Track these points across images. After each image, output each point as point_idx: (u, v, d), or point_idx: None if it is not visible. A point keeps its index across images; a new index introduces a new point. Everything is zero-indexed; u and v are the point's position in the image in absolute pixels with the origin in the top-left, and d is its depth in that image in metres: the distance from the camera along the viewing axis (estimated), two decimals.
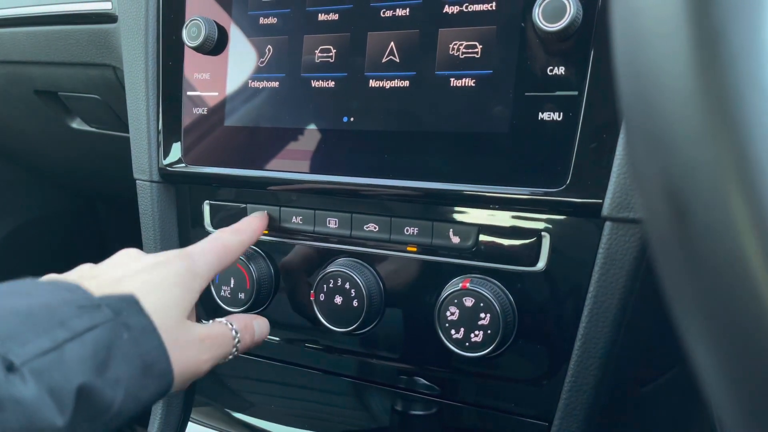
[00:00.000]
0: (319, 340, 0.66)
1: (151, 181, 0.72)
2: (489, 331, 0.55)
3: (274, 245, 0.67)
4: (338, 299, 0.62)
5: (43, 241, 1.53)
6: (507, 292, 0.55)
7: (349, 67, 0.60)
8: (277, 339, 0.69)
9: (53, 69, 0.92)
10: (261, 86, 0.65)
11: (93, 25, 0.79)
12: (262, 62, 0.65)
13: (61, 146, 1.21)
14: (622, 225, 0.49)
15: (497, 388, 0.57)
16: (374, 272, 0.62)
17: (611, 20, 0.19)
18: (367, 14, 0.59)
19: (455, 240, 0.58)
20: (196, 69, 0.69)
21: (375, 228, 0.62)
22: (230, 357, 0.52)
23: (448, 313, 0.56)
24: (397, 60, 0.58)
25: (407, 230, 0.60)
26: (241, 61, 0.66)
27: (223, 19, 0.67)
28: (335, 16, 0.61)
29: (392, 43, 0.58)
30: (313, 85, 0.62)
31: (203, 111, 0.69)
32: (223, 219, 0.71)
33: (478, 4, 0.54)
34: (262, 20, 0.65)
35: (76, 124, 1.05)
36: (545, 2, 0.49)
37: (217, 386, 0.75)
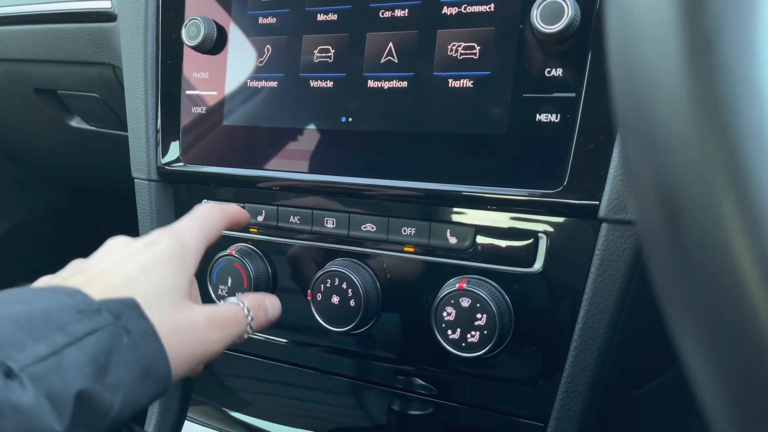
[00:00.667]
0: (316, 339, 0.66)
1: (150, 180, 0.72)
2: (485, 332, 0.55)
3: (271, 245, 0.68)
4: (335, 299, 0.62)
5: (40, 239, 1.53)
6: (503, 292, 0.56)
7: (347, 68, 0.60)
8: (274, 338, 0.69)
9: (53, 67, 0.92)
10: (260, 86, 0.65)
11: (92, 24, 0.79)
12: (261, 62, 0.65)
13: (60, 144, 1.21)
14: (619, 227, 0.49)
15: (493, 388, 0.58)
16: (371, 272, 0.62)
17: (606, 22, 0.20)
18: (366, 15, 0.59)
19: (452, 241, 0.58)
20: (195, 68, 0.69)
21: (372, 228, 0.62)
22: (246, 336, 0.51)
23: (444, 314, 0.56)
24: (396, 61, 0.58)
25: (405, 230, 0.60)
26: (240, 60, 0.66)
27: (223, 18, 0.67)
28: (334, 17, 0.61)
29: (391, 44, 0.58)
30: (311, 85, 0.62)
31: (202, 110, 0.69)
32: None
33: (476, 5, 0.54)
34: (261, 20, 0.65)
35: (75, 123, 1.05)
36: (543, 4, 0.50)
37: (214, 385, 0.75)
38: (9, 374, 0.34)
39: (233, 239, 0.70)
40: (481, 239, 0.57)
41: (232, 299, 0.52)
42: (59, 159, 1.33)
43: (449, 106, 0.56)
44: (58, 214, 1.57)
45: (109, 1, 0.76)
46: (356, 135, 0.60)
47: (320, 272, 0.62)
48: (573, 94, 0.51)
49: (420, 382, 0.62)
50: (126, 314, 0.41)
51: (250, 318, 0.51)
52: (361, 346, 0.64)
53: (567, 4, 0.49)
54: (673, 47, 0.17)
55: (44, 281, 0.48)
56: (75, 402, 0.36)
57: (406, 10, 0.57)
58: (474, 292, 0.55)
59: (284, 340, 0.68)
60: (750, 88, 0.17)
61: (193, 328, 0.45)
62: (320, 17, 0.62)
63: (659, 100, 0.17)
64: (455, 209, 0.58)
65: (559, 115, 0.51)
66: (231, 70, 0.67)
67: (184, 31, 0.66)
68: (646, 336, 0.57)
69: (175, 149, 0.70)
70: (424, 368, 0.61)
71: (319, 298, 0.63)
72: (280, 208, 0.67)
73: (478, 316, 0.55)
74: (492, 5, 0.54)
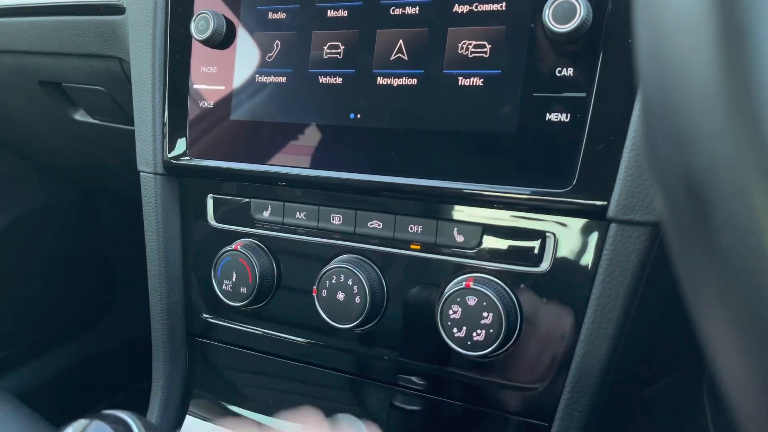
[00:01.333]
0: (320, 336, 0.66)
1: (155, 174, 0.72)
2: (491, 331, 0.55)
3: (277, 240, 0.67)
4: (340, 295, 0.62)
5: (41, 233, 1.53)
6: (510, 292, 0.56)
7: (357, 64, 0.60)
8: (278, 334, 0.68)
9: (59, 60, 0.92)
10: (268, 81, 0.65)
11: (100, 17, 0.79)
12: (269, 57, 0.65)
13: (64, 138, 1.20)
14: (628, 227, 0.49)
15: (498, 387, 0.57)
16: (377, 269, 0.62)
17: (634, 14, 0.19)
18: (377, 12, 0.59)
19: (459, 239, 0.58)
20: (203, 62, 0.69)
21: (379, 225, 0.62)
22: None
23: (450, 312, 0.56)
24: (406, 58, 0.58)
25: (411, 228, 0.60)
26: (249, 55, 0.66)
27: (232, 13, 0.67)
28: (344, 13, 0.61)
29: (401, 41, 0.58)
30: (320, 81, 0.62)
31: (209, 104, 0.69)
32: (226, 213, 0.71)
33: (487, 3, 0.54)
34: (270, 15, 0.65)
35: (80, 116, 1.05)
36: (556, 3, 0.49)
37: (215, 380, 0.75)
38: None
39: (239, 234, 0.69)
40: (488, 238, 0.57)
41: None
42: (62, 153, 1.33)
43: (459, 104, 0.56)
44: (59, 209, 1.57)
45: None
46: (365, 132, 0.60)
47: (326, 268, 0.62)
48: (583, 94, 0.51)
49: (424, 380, 0.62)
50: None
51: None
52: (365, 343, 0.64)
53: (579, 4, 0.49)
54: (705, 39, 0.17)
55: None
56: None
57: (417, 8, 0.57)
58: (481, 291, 0.55)
59: (288, 336, 0.68)
60: None
61: None
62: (330, 13, 0.61)
63: (691, 92, 0.17)
64: (462, 208, 0.58)
65: (569, 115, 0.51)
66: (239, 65, 0.67)
67: (193, 25, 0.66)
68: (652, 338, 0.57)
69: (181, 143, 0.70)
70: (428, 366, 0.61)
71: (324, 295, 0.62)
72: (286, 203, 0.67)
73: (485, 314, 0.55)
74: (503, 4, 0.54)
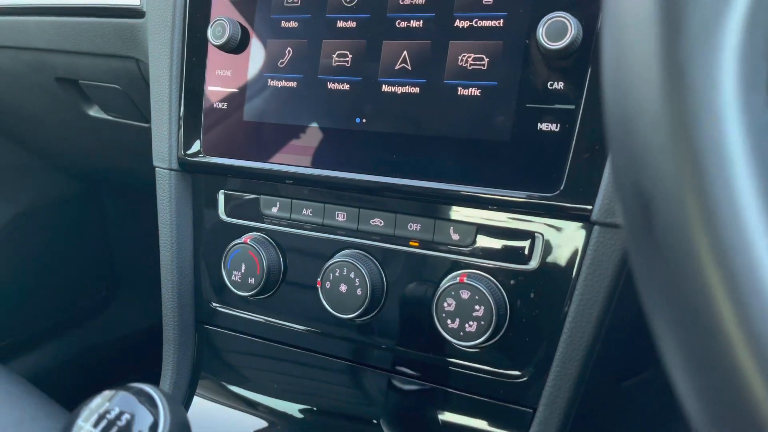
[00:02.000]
0: (322, 325, 0.70)
1: (170, 169, 0.76)
2: (482, 322, 0.59)
3: (284, 235, 0.72)
4: (343, 287, 0.66)
5: (48, 226, 1.56)
6: (501, 287, 0.60)
7: (363, 72, 0.64)
8: (282, 323, 0.73)
9: (76, 58, 0.96)
10: (279, 85, 0.69)
11: (120, 19, 0.83)
12: (281, 63, 0.69)
13: (75, 133, 1.24)
14: (609, 229, 0.54)
15: (487, 375, 0.62)
16: (378, 264, 0.66)
17: (601, 53, 0.24)
18: (384, 24, 0.63)
19: (455, 237, 0.63)
20: (218, 66, 0.73)
21: (380, 223, 0.66)
22: None
23: (445, 304, 0.61)
24: (409, 68, 0.62)
25: (411, 226, 0.65)
26: (262, 60, 0.70)
27: (247, 20, 0.71)
28: (353, 24, 0.65)
29: (405, 52, 0.63)
30: (329, 87, 0.66)
31: (223, 105, 0.73)
32: (237, 208, 0.75)
33: (487, 20, 0.58)
34: (283, 24, 0.69)
35: (94, 112, 1.09)
36: (549, 22, 0.54)
37: (223, 365, 0.79)
38: None
39: (248, 228, 0.74)
40: (481, 237, 0.61)
41: None
42: (71, 148, 1.37)
43: (457, 112, 0.60)
44: (65, 202, 1.60)
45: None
46: (369, 135, 0.64)
47: (330, 262, 0.67)
48: (572, 106, 0.55)
49: (418, 367, 0.66)
50: None
51: None
52: (365, 333, 0.68)
53: (570, 24, 0.53)
54: (652, 74, 0.21)
55: None
56: None
57: (421, 21, 0.62)
58: (473, 286, 0.60)
59: (292, 325, 0.72)
60: (713, 109, 0.21)
61: None
62: (340, 24, 0.66)
63: (640, 117, 0.21)
64: (459, 208, 0.62)
65: (558, 125, 0.56)
66: (252, 69, 0.71)
67: (209, 31, 0.71)
68: (630, 334, 0.62)
69: (195, 141, 0.75)
70: (423, 355, 0.65)
71: (327, 286, 0.67)
72: (293, 201, 0.71)
73: (477, 307, 0.59)
74: (501, 21, 0.58)
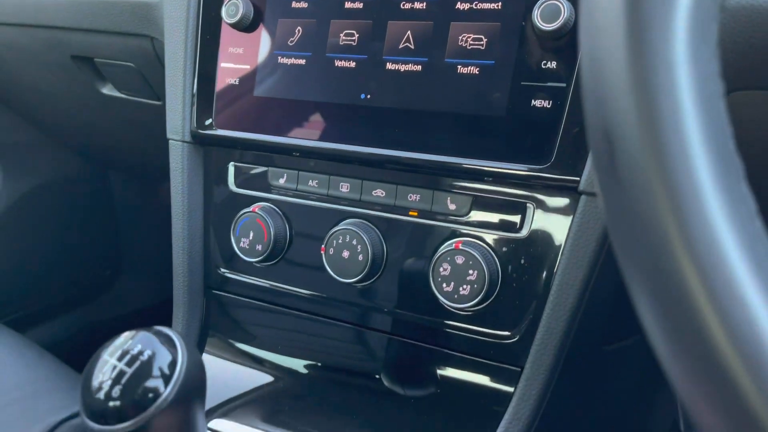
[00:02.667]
0: (325, 289, 0.74)
1: (183, 141, 0.80)
2: (475, 286, 0.63)
3: (290, 204, 0.76)
4: (346, 253, 0.70)
5: (56, 204, 1.60)
6: (493, 253, 0.64)
7: (369, 51, 0.68)
8: (287, 287, 0.77)
9: (92, 36, 0.99)
10: (289, 63, 0.73)
11: None
12: (291, 41, 0.73)
13: (87, 111, 1.28)
14: (595, 199, 0.58)
15: (479, 336, 0.66)
16: (378, 232, 0.71)
17: (579, 14, 0.28)
18: (389, 5, 0.67)
19: (452, 207, 0.67)
20: (231, 44, 0.77)
21: (382, 194, 0.70)
22: None
23: (441, 269, 0.65)
24: (412, 47, 0.66)
25: (410, 197, 0.69)
26: (273, 39, 0.74)
27: (259, 0, 0.75)
28: (360, 5, 0.69)
29: (409, 32, 0.67)
30: (336, 65, 0.70)
31: (235, 81, 0.77)
32: (246, 179, 0.79)
33: (485, 3, 0.62)
34: (294, 4, 0.73)
35: (107, 90, 1.13)
36: (543, 5, 0.58)
37: (230, 327, 0.84)
38: None
39: (256, 198, 0.78)
40: (476, 207, 0.66)
41: None
42: (83, 126, 1.41)
43: (457, 89, 0.64)
44: (74, 182, 1.64)
45: None
46: (373, 110, 0.68)
47: (333, 229, 0.71)
48: (564, 84, 0.59)
49: (415, 329, 0.71)
50: None
51: None
52: (365, 297, 0.72)
53: (564, 6, 0.57)
54: (618, 28, 0.25)
55: None
56: None
57: (424, 3, 0.66)
58: (468, 252, 0.64)
59: (296, 289, 0.76)
60: (666, 59, 0.25)
61: None
62: (347, 4, 0.70)
63: (606, 66, 0.25)
64: (456, 180, 0.66)
65: (551, 102, 0.60)
66: (263, 47, 0.75)
67: (224, 10, 0.74)
68: (612, 302, 0.66)
69: (207, 115, 0.79)
70: (419, 317, 0.69)
71: (331, 253, 0.71)
72: (300, 172, 0.75)
73: (470, 272, 0.64)
74: (499, 3, 0.62)
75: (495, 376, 0.67)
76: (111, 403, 0.45)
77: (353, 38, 0.69)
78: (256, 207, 0.76)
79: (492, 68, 0.63)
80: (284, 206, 0.76)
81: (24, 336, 1.06)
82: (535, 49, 0.61)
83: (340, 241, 0.71)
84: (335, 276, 0.71)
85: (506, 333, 0.65)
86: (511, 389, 0.64)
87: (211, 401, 0.78)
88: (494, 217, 0.65)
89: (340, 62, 0.70)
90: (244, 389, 0.77)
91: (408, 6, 0.66)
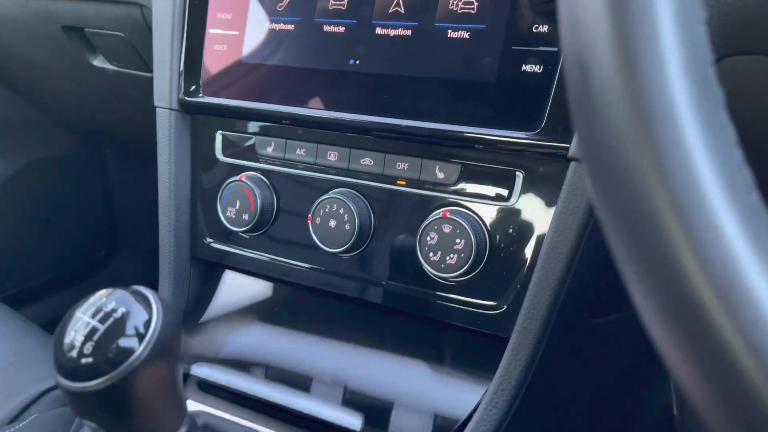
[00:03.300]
0: (312, 259, 0.73)
1: (170, 109, 0.79)
2: (462, 255, 0.62)
3: (278, 174, 0.75)
4: (332, 223, 0.69)
5: (49, 182, 1.59)
6: (481, 222, 0.63)
7: (358, 15, 0.67)
8: (274, 257, 0.76)
9: (82, 5, 0.98)
10: (277, 28, 0.72)
11: None
12: (280, 6, 0.72)
13: (80, 85, 1.27)
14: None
15: (465, 307, 0.65)
16: (366, 202, 0.69)
17: None
18: None
19: (440, 176, 0.66)
20: (219, 9, 0.76)
21: (370, 162, 0.69)
22: None
23: (428, 238, 0.64)
24: (402, 11, 0.65)
25: (399, 165, 0.68)
26: (261, 4, 0.73)
27: None
28: None
29: None
30: (324, 30, 0.69)
31: (223, 48, 0.76)
32: (233, 148, 0.78)
33: None
34: None
35: (98, 62, 1.12)
36: None
37: (214, 299, 0.83)
38: None
39: (243, 168, 0.77)
40: (465, 175, 0.64)
41: None
42: (75, 101, 1.40)
43: (447, 54, 0.63)
44: (67, 160, 1.63)
45: None
46: (362, 76, 0.67)
47: (321, 198, 0.70)
48: (555, 49, 0.58)
49: (402, 300, 0.69)
50: None
51: None
52: (352, 267, 0.71)
53: None
54: None
55: None
56: None
57: None
58: (455, 220, 0.63)
59: (283, 260, 0.75)
60: None
61: None
62: None
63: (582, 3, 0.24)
64: (445, 147, 0.65)
65: (541, 67, 0.59)
66: (252, 13, 0.74)
67: None
68: (601, 273, 0.65)
69: (195, 82, 0.77)
70: (406, 288, 0.68)
71: (318, 222, 0.70)
72: (288, 141, 0.74)
73: (458, 241, 0.62)
74: None
75: (481, 345, 0.66)
76: (83, 360, 0.45)
77: (342, 2, 0.68)
78: (243, 176, 0.75)
79: (483, 32, 0.61)
80: (271, 175, 0.75)
81: (13, 310, 1.05)
82: (526, 12, 0.59)
83: (327, 211, 0.69)
84: (322, 246, 0.70)
85: (493, 303, 0.64)
86: (497, 359, 0.63)
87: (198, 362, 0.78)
88: (483, 186, 0.64)
89: (328, 27, 0.69)
90: (231, 355, 0.76)
91: None
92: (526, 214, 0.62)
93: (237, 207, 0.75)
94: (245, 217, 0.74)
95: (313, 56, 0.70)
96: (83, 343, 0.45)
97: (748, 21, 0.50)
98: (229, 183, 0.75)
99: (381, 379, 0.69)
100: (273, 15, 0.72)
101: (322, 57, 0.69)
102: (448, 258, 0.63)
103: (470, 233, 0.62)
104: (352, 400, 0.69)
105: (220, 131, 0.79)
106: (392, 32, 0.65)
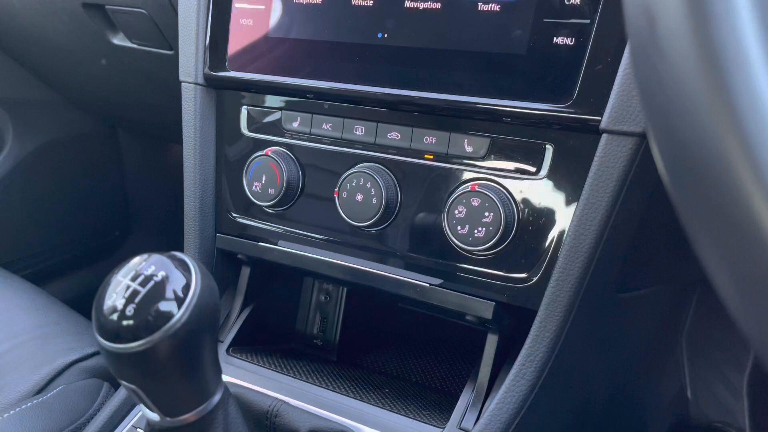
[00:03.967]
0: (338, 234, 0.74)
1: (196, 84, 0.79)
2: (491, 228, 0.62)
3: (304, 149, 0.75)
4: (359, 197, 0.69)
5: (65, 163, 1.60)
6: (510, 195, 0.63)
7: None
8: (299, 232, 0.76)
9: None
10: (305, 1, 0.72)
11: None
12: None
13: (98, 65, 1.27)
14: (616, 137, 0.57)
15: (494, 280, 0.65)
16: (393, 176, 0.70)
17: None
18: None
19: (469, 149, 0.66)
20: None
21: (397, 136, 0.69)
22: None
23: (456, 212, 0.64)
24: None
25: (426, 139, 0.68)
26: None
27: None
28: None
29: None
30: (353, 3, 0.69)
31: (249, 22, 0.75)
32: (258, 123, 0.78)
33: None
34: None
35: (118, 40, 1.12)
36: None
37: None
38: None
39: (269, 143, 0.77)
40: (494, 149, 0.64)
41: None
42: (93, 81, 1.40)
43: (477, 27, 0.63)
44: (83, 141, 1.63)
45: None
46: (391, 50, 0.67)
47: (347, 172, 0.70)
48: (587, 21, 0.58)
49: (429, 274, 0.69)
50: None
51: None
52: (379, 240, 0.72)
53: None
54: None
55: None
56: None
57: None
58: (484, 193, 0.63)
59: (308, 234, 0.76)
60: None
61: None
62: None
63: None
64: (473, 121, 0.65)
65: (573, 39, 0.58)
66: None
67: None
68: (631, 248, 0.65)
69: (221, 56, 0.77)
70: (434, 261, 0.68)
71: (344, 196, 0.70)
72: (314, 115, 0.74)
73: (486, 214, 0.63)
74: None
75: (509, 318, 0.66)
76: (125, 322, 0.45)
77: None
78: (269, 150, 0.75)
79: (514, 5, 0.61)
80: (297, 150, 0.75)
81: (35, 286, 1.06)
82: None
83: (353, 185, 0.70)
84: (348, 219, 0.70)
85: (522, 275, 0.64)
86: (525, 332, 0.63)
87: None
88: (512, 159, 0.64)
89: (357, 0, 0.68)
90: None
91: None
92: (556, 188, 0.62)
93: (263, 181, 0.75)
94: (271, 191, 0.75)
95: (340, 30, 0.70)
96: (125, 306, 0.45)
97: None
98: (256, 157, 0.75)
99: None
100: None
101: (350, 30, 0.69)
102: (476, 231, 0.63)
103: (499, 207, 0.62)
104: None
105: (245, 106, 0.79)
106: (421, 5, 0.65)
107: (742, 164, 0.22)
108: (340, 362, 0.84)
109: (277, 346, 0.84)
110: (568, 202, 0.61)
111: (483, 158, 0.65)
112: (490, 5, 0.62)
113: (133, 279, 0.46)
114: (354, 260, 0.73)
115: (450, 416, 0.67)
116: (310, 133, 0.74)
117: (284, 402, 0.68)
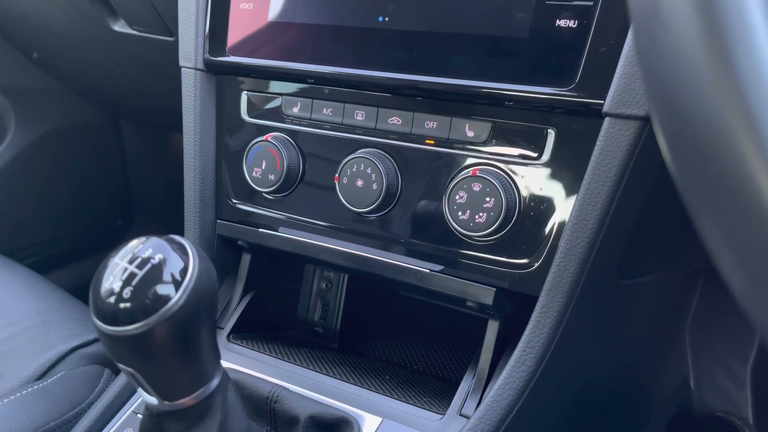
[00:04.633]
0: (338, 220, 0.73)
1: (196, 69, 0.79)
2: (492, 214, 0.62)
3: (304, 134, 0.74)
4: (359, 182, 0.69)
5: (66, 151, 1.59)
6: (512, 180, 0.63)
7: None
8: (299, 218, 0.76)
9: None
10: None
11: None
12: None
13: (99, 52, 1.26)
14: (619, 120, 0.56)
15: (494, 266, 0.65)
16: (393, 161, 0.69)
17: None
18: None
19: (470, 134, 0.65)
20: None
21: (398, 121, 0.69)
22: None
23: (457, 197, 0.63)
24: None
25: (427, 124, 0.67)
26: None
27: None
28: None
29: None
30: None
31: (248, 6, 0.75)
32: (258, 108, 0.77)
33: None
34: None
35: (119, 27, 1.11)
36: None
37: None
38: None
39: (269, 128, 0.76)
40: (495, 133, 0.64)
41: None
42: (93, 68, 1.39)
43: (478, 9, 0.62)
44: (85, 131, 1.63)
45: None
46: (391, 33, 0.66)
47: (348, 157, 0.69)
48: (590, 3, 0.57)
49: (430, 260, 0.69)
50: None
51: None
52: (379, 226, 0.71)
53: None
54: None
55: None
56: None
57: None
58: (485, 178, 0.62)
59: (308, 220, 0.75)
60: None
61: None
62: None
63: None
64: (474, 106, 0.64)
65: (576, 21, 0.57)
66: None
67: None
68: (633, 234, 0.64)
69: (221, 41, 0.77)
70: (435, 247, 0.68)
71: (345, 182, 0.70)
72: (314, 100, 0.73)
73: (487, 199, 0.62)
74: None
75: (510, 305, 0.66)
76: (122, 305, 0.45)
77: None
78: (269, 136, 0.75)
79: None
80: (297, 136, 0.75)
81: (37, 273, 1.06)
82: None
83: (354, 170, 0.69)
84: (348, 205, 0.70)
85: (523, 261, 0.63)
86: (526, 319, 0.63)
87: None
88: (513, 144, 0.63)
89: None
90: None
91: None
92: (558, 172, 0.61)
93: (263, 167, 0.75)
94: (271, 177, 0.74)
95: (340, 14, 0.69)
96: (122, 288, 0.45)
97: None
98: (255, 143, 0.75)
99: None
100: None
101: (350, 14, 0.68)
102: (477, 217, 0.63)
103: (500, 192, 0.61)
104: None
105: (245, 92, 0.78)
106: None
107: (745, 136, 0.22)
108: (341, 350, 0.84)
109: (277, 334, 0.84)
110: (569, 187, 0.61)
111: (484, 143, 0.64)
112: None
113: (131, 262, 0.46)
114: (354, 246, 0.72)
115: (450, 403, 0.66)
116: (310, 119, 0.74)
117: (284, 388, 0.68)
